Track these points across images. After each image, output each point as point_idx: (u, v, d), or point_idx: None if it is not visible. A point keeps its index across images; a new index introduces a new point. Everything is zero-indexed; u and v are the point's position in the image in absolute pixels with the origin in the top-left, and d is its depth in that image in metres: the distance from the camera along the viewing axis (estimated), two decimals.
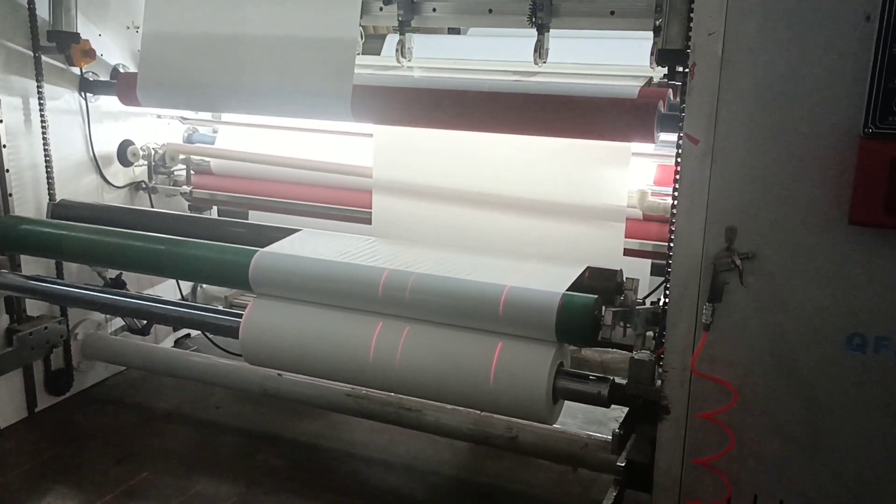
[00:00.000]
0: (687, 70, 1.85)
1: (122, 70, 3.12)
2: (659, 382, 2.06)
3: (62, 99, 2.96)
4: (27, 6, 2.75)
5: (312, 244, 2.50)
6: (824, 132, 1.69)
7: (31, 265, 2.87)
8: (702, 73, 1.77)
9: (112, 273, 3.02)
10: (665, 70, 2.26)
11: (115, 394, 3.20)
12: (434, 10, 2.84)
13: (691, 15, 1.84)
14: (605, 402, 2.14)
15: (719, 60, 1.75)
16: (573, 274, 2.25)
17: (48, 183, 2.89)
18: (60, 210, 2.87)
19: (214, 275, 2.48)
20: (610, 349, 2.75)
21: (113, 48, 3.11)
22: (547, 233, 2.62)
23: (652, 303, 2.36)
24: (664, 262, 2.33)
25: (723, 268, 1.82)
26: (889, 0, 1.56)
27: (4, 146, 2.73)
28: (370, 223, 2.88)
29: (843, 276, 1.74)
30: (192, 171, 3.29)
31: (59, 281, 2.87)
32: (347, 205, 3.01)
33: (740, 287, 1.83)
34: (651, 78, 2.69)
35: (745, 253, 1.81)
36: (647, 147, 2.62)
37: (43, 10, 2.81)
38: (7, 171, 2.75)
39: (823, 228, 1.73)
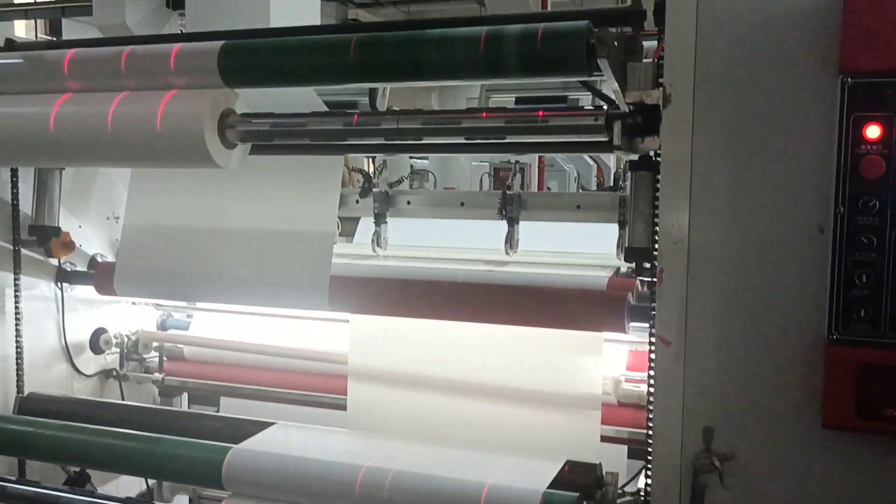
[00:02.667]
0: (654, 265, 1.94)
1: (99, 259, 3.16)
2: None
3: (37, 289, 2.97)
4: (11, 202, 2.82)
5: (288, 439, 2.48)
6: (792, 337, 1.76)
7: None
8: (669, 279, 1.86)
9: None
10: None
11: None
12: (408, 202, 2.97)
13: (655, 220, 1.95)
14: None
15: (685, 267, 1.84)
16: (553, 469, 2.24)
17: (17, 375, 2.85)
18: (28, 404, 2.81)
19: (186, 474, 2.42)
20: None
21: (92, 238, 3.17)
22: (524, 421, 2.62)
23: (632, 494, 2.35)
24: (641, 447, 2.34)
25: (702, 469, 1.83)
26: (839, 215, 1.67)
27: None
28: (345, 409, 2.85)
29: (822, 477, 1.75)
30: (164, 358, 3.27)
31: (18, 480, 2.76)
32: (322, 391, 2.99)
33: (721, 488, 1.84)
34: (619, 268, 2.80)
35: (723, 454, 1.83)
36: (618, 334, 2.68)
37: (26, 205, 2.88)
38: None
39: (799, 431, 1.76)
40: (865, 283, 1.64)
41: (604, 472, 2.29)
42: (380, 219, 2.98)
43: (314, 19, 3.68)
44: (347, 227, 3.65)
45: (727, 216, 1.80)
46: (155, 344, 3.29)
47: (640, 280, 2.43)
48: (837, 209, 1.66)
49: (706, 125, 1.81)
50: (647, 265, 2.26)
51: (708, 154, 1.81)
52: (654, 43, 1.96)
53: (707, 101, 1.80)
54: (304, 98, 2.45)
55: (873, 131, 1.62)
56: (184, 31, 3.56)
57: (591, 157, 10.78)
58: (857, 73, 1.63)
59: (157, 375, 3.21)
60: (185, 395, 3.49)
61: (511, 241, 2.88)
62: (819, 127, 1.72)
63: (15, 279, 2.85)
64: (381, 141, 2.28)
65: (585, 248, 3.04)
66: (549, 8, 7.60)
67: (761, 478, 1.81)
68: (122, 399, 3.20)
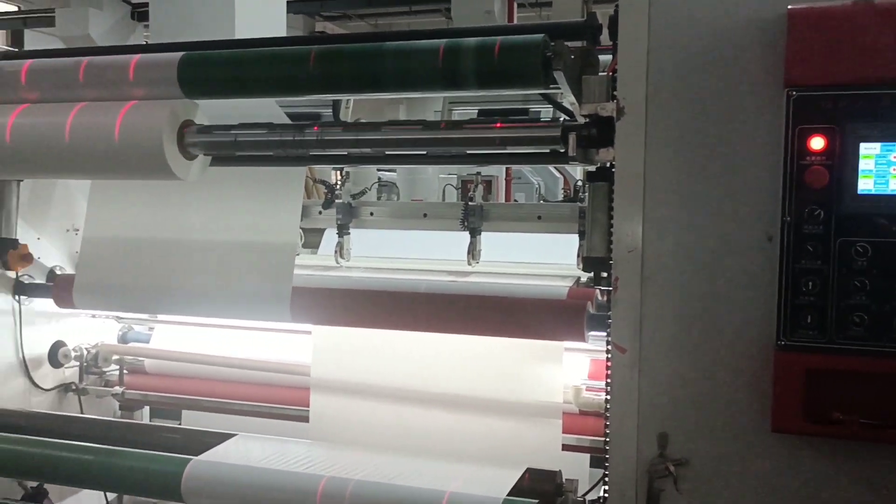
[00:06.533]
0: (611, 274, 1.97)
1: (58, 271, 3.12)
2: None
3: None
4: None
5: (248, 450, 2.46)
6: (742, 344, 1.80)
7: None
8: (625, 288, 1.89)
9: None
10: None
11: None
12: (371, 213, 2.99)
13: (611, 230, 1.98)
14: None
15: (640, 276, 1.87)
16: (513, 477, 2.25)
17: None
18: None
19: (145, 486, 2.39)
20: None
21: (51, 250, 3.13)
22: (486, 431, 2.63)
23: (592, 502, 2.37)
24: (602, 455, 2.36)
25: (657, 475, 1.86)
26: (786, 223, 1.71)
27: None
28: (308, 421, 2.85)
29: (772, 482, 1.79)
30: (124, 371, 3.24)
31: None
32: (285, 403, 2.98)
33: (675, 493, 1.86)
34: (579, 277, 2.83)
35: (677, 459, 1.86)
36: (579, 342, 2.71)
37: None
38: None
39: (749, 436, 1.80)
40: (812, 290, 1.69)
41: (563, 480, 2.31)
42: (342, 230, 2.99)
43: (280, 32, 3.69)
44: (312, 238, 3.65)
45: (679, 225, 1.84)
46: (115, 357, 3.26)
47: (599, 289, 2.46)
48: (784, 218, 1.70)
49: (658, 137, 1.85)
50: (605, 274, 2.30)
51: (660, 165, 1.85)
52: (611, 57, 2.00)
53: (659, 113, 1.85)
54: (265, 110, 2.46)
55: (817, 143, 1.66)
56: (148, 43, 3.55)
57: (557, 169, 10.87)
58: (801, 87, 1.68)
59: (118, 389, 3.18)
60: (146, 409, 3.45)
61: (473, 252, 2.91)
62: (767, 138, 1.76)
63: None
64: (343, 152, 2.30)
65: (547, 258, 3.07)
66: (515, 21, 7.68)
67: (714, 482, 1.84)
68: (82, 414, 3.16)
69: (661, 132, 1.85)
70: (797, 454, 1.77)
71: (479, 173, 3.06)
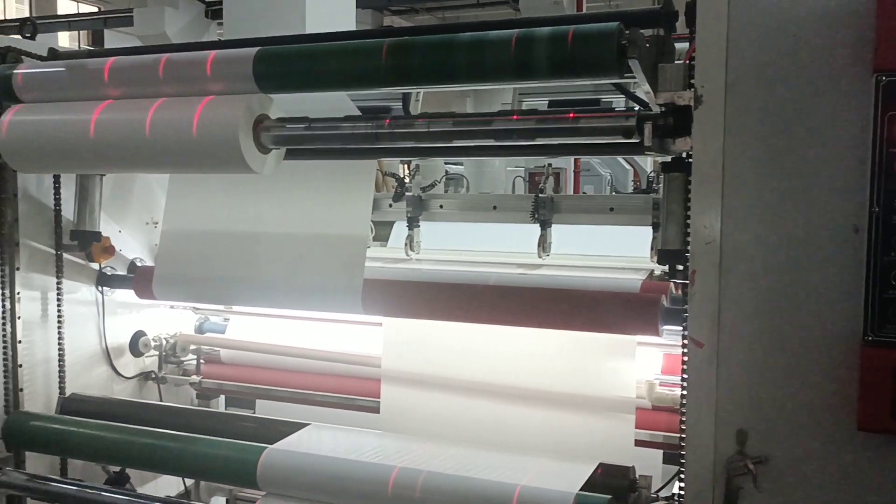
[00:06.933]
0: (686, 267, 1.93)
1: (139, 263, 3.22)
2: None
3: (79, 293, 3.04)
4: (53, 208, 2.89)
5: (321, 440, 2.50)
6: (827, 339, 1.74)
7: (34, 460, 2.84)
8: (702, 280, 1.84)
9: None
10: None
11: None
12: (441, 206, 2.99)
13: (688, 221, 1.94)
14: None
15: (718, 268, 1.82)
16: (585, 472, 2.23)
17: (59, 377, 2.92)
18: (70, 404, 2.88)
19: (222, 473, 2.45)
20: None
21: (132, 243, 3.23)
22: (558, 425, 2.62)
23: (666, 499, 2.33)
24: (676, 452, 2.32)
25: (736, 472, 1.81)
26: (874, 214, 1.64)
27: (20, 342, 2.78)
28: (378, 412, 2.87)
29: (857, 480, 1.73)
30: (201, 361, 3.32)
31: (60, 479, 2.82)
32: (356, 394, 3.02)
33: (755, 492, 1.82)
34: (652, 270, 2.78)
35: (757, 457, 1.81)
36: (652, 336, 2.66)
37: (68, 210, 2.95)
38: (20, 366, 2.79)
39: (833, 433, 1.74)
40: None
41: (637, 476, 2.28)
42: (412, 222, 3.00)
43: (349, 26, 3.72)
44: (382, 231, 3.68)
45: (760, 217, 1.79)
46: (192, 347, 3.35)
47: (674, 282, 2.41)
48: (872, 209, 1.64)
49: (738, 126, 1.80)
50: (680, 267, 2.25)
51: (740, 154, 1.80)
52: (687, 45, 1.96)
53: (739, 101, 1.79)
54: (338, 103, 2.48)
55: None
56: (222, 39, 3.61)
57: (627, 160, 10.71)
58: (892, 72, 1.61)
59: (195, 378, 3.27)
60: (222, 398, 3.54)
61: (544, 245, 2.88)
62: (853, 126, 1.70)
63: (57, 283, 2.92)
64: (414, 144, 2.30)
65: (619, 251, 3.03)
66: (584, 11, 7.59)
67: (795, 481, 1.78)
68: (161, 401, 3.26)
69: (741, 120, 1.80)
70: (884, 454, 1.70)
71: (549, 165, 3.03)
